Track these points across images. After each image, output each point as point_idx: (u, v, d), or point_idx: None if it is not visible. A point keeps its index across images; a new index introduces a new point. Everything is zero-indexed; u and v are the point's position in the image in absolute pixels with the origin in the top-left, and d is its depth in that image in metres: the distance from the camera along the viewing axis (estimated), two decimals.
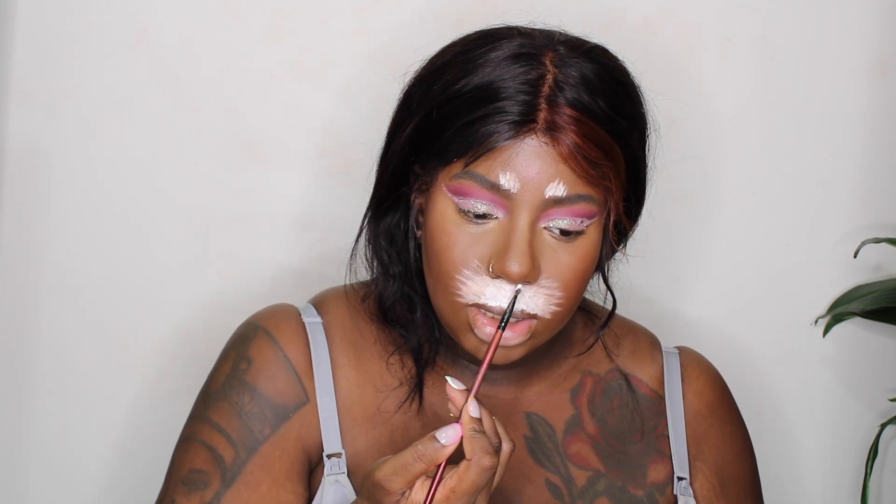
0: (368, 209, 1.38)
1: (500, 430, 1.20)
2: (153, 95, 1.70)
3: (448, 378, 1.21)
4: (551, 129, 1.26)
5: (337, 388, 1.38)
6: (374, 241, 1.38)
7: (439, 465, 1.17)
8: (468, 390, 1.20)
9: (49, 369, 1.72)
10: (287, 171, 1.73)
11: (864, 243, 1.74)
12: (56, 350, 1.71)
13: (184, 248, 1.72)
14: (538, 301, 1.28)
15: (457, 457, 1.18)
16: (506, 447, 1.20)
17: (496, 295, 1.27)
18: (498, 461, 1.18)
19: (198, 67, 1.71)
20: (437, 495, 1.17)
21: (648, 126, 1.35)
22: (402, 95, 1.36)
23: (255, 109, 1.72)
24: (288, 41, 1.72)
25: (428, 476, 1.18)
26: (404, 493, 1.17)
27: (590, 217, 1.28)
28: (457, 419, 1.19)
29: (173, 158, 1.71)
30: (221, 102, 1.71)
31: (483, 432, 1.18)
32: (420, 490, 1.17)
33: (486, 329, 1.29)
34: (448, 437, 1.17)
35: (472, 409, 1.19)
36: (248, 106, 1.72)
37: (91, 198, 1.70)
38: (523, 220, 1.27)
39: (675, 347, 1.50)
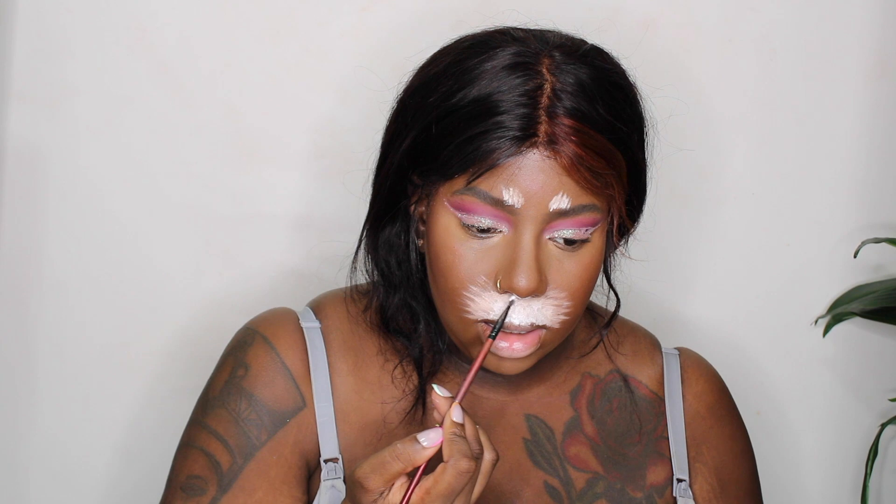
0: (367, 221, 1.38)
1: (484, 439, 1.20)
2: (153, 95, 1.70)
3: (434, 385, 1.21)
4: (552, 142, 1.25)
5: (335, 394, 1.38)
6: (373, 253, 1.38)
7: (418, 467, 1.18)
8: (453, 397, 1.20)
9: (49, 370, 1.72)
10: (287, 171, 1.73)
11: (864, 243, 1.74)
12: (56, 351, 1.71)
13: (184, 249, 1.72)
14: (547, 312, 1.28)
15: (438, 463, 1.18)
16: (488, 457, 1.20)
17: None
18: (475, 467, 1.18)
19: (198, 67, 1.71)
20: (413, 497, 1.17)
21: (646, 125, 1.34)
22: (395, 105, 1.35)
23: (255, 109, 1.72)
24: (288, 41, 1.72)
25: (409, 477, 1.18)
26: (382, 492, 1.18)
27: (594, 225, 1.28)
28: (441, 424, 1.19)
29: (173, 158, 1.71)
30: (221, 102, 1.71)
31: (463, 437, 1.18)
32: (398, 490, 1.18)
33: (500, 343, 1.29)
34: (429, 439, 1.18)
35: (456, 414, 1.19)
36: (248, 106, 1.72)
37: (91, 198, 1.70)
38: (528, 234, 1.26)
39: (675, 349, 1.50)
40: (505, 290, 1.27)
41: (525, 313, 1.28)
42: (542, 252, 1.27)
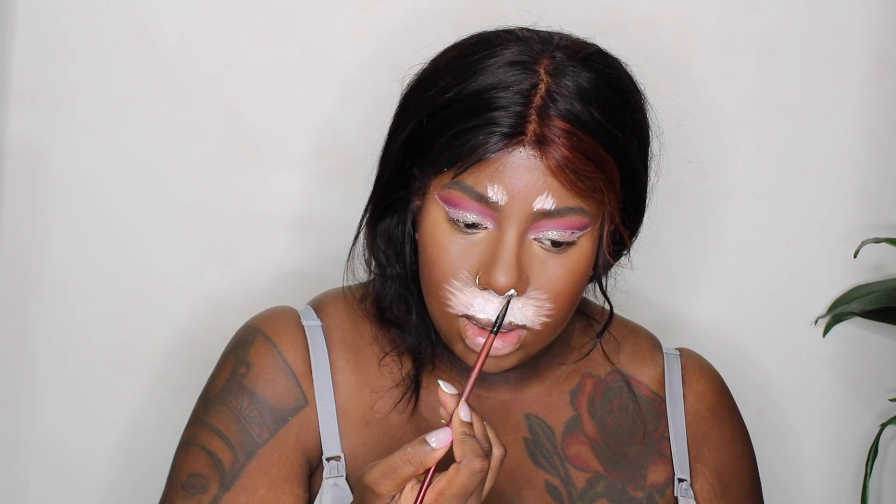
0: (366, 210, 1.38)
1: (492, 435, 1.20)
2: (153, 95, 1.70)
3: (440, 382, 1.21)
4: (540, 142, 1.25)
5: (336, 392, 1.38)
6: (371, 243, 1.38)
7: (429, 469, 1.17)
8: (459, 395, 1.20)
9: (49, 370, 1.72)
10: (287, 171, 1.73)
11: (864, 243, 1.74)
12: (56, 351, 1.71)
13: (184, 249, 1.72)
14: (527, 312, 1.28)
15: (447, 462, 1.17)
16: (497, 452, 1.20)
17: (484, 307, 1.28)
18: (488, 465, 1.18)
19: (198, 67, 1.71)
20: (426, 498, 1.17)
21: (651, 133, 1.34)
22: (401, 98, 1.35)
23: (255, 109, 1.72)
24: (288, 41, 1.72)
25: (418, 480, 1.18)
26: (394, 496, 1.17)
27: (581, 228, 1.28)
28: (448, 423, 1.19)
29: (173, 158, 1.71)
30: (221, 102, 1.71)
31: (473, 436, 1.18)
32: (410, 493, 1.17)
33: (477, 339, 1.29)
34: (438, 440, 1.17)
35: (464, 412, 1.19)
36: (248, 106, 1.72)
37: (90, 198, 1.70)
38: (511, 233, 1.26)
39: (676, 349, 1.50)
40: (484, 286, 1.27)
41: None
42: (524, 251, 1.27)
